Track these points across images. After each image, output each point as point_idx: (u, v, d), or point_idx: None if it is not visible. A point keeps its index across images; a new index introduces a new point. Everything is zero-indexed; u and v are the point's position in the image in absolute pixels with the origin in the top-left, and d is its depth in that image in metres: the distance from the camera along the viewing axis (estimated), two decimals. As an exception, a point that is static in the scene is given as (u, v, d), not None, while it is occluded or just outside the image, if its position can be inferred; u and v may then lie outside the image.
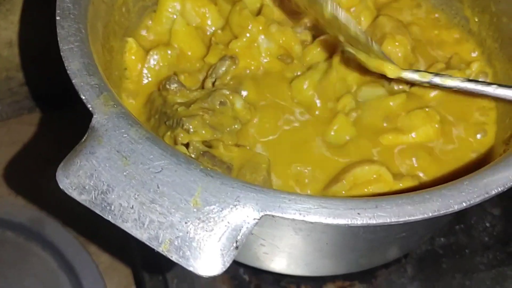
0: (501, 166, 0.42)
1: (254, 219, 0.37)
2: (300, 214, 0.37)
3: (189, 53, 0.66)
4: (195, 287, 0.66)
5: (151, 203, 0.37)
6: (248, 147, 0.57)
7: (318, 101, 0.61)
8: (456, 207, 0.39)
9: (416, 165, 0.59)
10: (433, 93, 0.64)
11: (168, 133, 0.56)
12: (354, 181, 0.56)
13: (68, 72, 0.44)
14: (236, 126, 0.58)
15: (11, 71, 0.92)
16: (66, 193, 0.39)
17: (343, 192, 0.56)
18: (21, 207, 0.81)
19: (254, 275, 0.67)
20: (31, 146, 0.93)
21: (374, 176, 0.57)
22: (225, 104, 0.58)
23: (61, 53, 0.45)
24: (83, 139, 0.41)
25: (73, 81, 0.43)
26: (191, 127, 0.55)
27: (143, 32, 0.67)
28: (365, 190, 0.56)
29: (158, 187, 0.38)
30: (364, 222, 0.38)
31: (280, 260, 0.58)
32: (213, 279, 0.39)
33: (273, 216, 0.37)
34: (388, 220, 0.38)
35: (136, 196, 0.38)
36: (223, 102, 0.58)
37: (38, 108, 0.98)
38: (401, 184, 0.57)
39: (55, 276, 0.73)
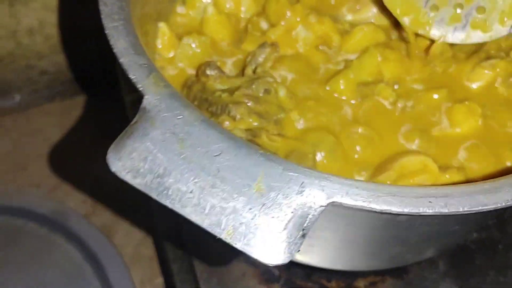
0: None
1: (321, 206, 0.35)
2: (370, 201, 0.34)
3: (222, 41, 0.63)
4: (224, 279, 0.64)
5: (211, 187, 0.34)
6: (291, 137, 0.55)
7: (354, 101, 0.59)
8: (527, 198, 0.36)
9: (462, 158, 0.56)
10: (475, 85, 0.61)
11: (212, 119, 0.53)
12: (401, 171, 0.54)
13: (114, 50, 0.41)
14: (281, 115, 0.55)
15: (31, 60, 0.89)
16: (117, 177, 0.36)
17: (388, 182, 0.53)
18: (44, 198, 0.78)
19: (284, 269, 0.65)
20: (50, 135, 0.91)
21: (421, 166, 0.54)
22: (269, 92, 0.55)
23: (106, 31, 0.42)
24: (134, 121, 0.38)
25: (120, 60, 0.40)
26: (237, 114, 0.52)
27: (175, 18, 0.64)
28: (411, 180, 0.53)
29: (218, 171, 0.35)
30: (437, 210, 0.35)
31: (319, 253, 0.56)
32: (277, 268, 0.36)
33: (340, 203, 0.34)
34: (461, 209, 0.35)
35: (195, 180, 0.35)
36: (268, 90, 0.55)
37: (58, 97, 0.95)
38: (447, 176, 0.54)
39: (80, 268, 0.71)
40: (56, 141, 0.90)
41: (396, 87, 0.60)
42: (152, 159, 0.36)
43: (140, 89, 0.39)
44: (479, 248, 0.68)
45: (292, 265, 0.63)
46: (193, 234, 0.33)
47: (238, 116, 0.53)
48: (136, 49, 0.41)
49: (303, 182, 0.35)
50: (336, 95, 0.59)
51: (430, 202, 0.35)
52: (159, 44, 0.61)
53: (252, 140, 0.53)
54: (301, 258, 0.58)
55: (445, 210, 0.35)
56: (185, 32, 0.63)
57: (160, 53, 0.61)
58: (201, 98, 0.56)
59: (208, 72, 0.57)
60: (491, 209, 0.36)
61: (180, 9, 0.65)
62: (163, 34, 0.61)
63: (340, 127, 0.57)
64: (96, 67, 0.90)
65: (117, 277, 0.70)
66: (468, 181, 0.54)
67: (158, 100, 0.38)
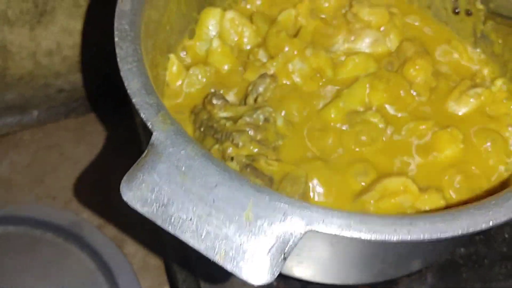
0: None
1: (300, 233, 0.41)
2: (341, 229, 0.41)
3: (226, 71, 0.69)
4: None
5: (207, 216, 0.41)
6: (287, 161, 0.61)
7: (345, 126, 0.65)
8: (483, 226, 0.42)
9: (442, 180, 0.62)
10: (460, 112, 0.67)
11: (216, 146, 0.60)
12: (383, 192, 0.60)
13: (128, 91, 0.48)
14: (279, 142, 0.61)
15: (49, 78, 0.96)
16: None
17: (372, 201, 0.59)
18: (61, 211, 0.85)
19: (282, 280, 0.71)
20: (66, 149, 0.98)
21: (402, 188, 0.60)
22: (269, 121, 0.62)
23: (121, 73, 0.49)
24: (144, 154, 0.45)
25: (133, 100, 0.47)
26: (240, 141, 0.59)
27: (183, 51, 0.71)
28: (392, 200, 0.59)
29: (214, 201, 0.42)
30: (400, 238, 0.41)
31: (310, 268, 0.62)
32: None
33: (317, 231, 0.41)
34: (422, 237, 0.42)
35: (194, 209, 0.42)
36: (267, 119, 0.62)
37: (73, 113, 1.02)
38: (426, 196, 0.60)
39: (93, 276, 0.77)
40: (71, 155, 0.97)
41: (384, 114, 0.66)
42: (158, 190, 0.43)
43: (150, 126, 0.46)
44: (466, 262, 0.73)
45: (289, 278, 0.69)
46: (196, 253, 0.40)
47: (240, 144, 0.60)
48: (147, 89, 0.48)
49: (286, 211, 0.42)
50: (328, 122, 0.65)
51: (395, 230, 0.41)
52: (169, 73, 0.67)
53: (251, 164, 0.60)
54: (294, 273, 0.64)
55: (407, 237, 0.41)
56: (193, 62, 0.70)
57: (169, 82, 0.68)
58: (207, 125, 0.63)
59: (214, 101, 0.64)
60: (449, 237, 0.42)
61: (189, 41, 0.71)
62: (172, 65, 0.68)
63: (330, 152, 0.64)
64: (107, 86, 0.97)
65: (127, 285, 0.76)
66: (446, 202, 0.61)
67: (165, 136, 0.45)
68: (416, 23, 0.75)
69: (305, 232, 0.41)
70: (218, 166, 0.44)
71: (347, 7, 0.74)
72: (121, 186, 0.43)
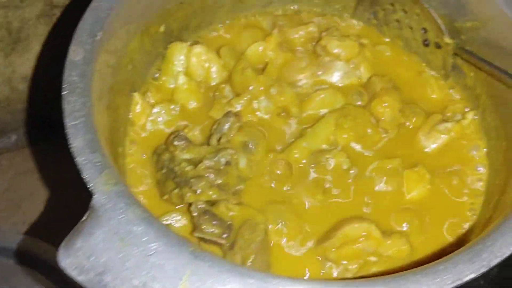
0: (475, 251, 0.44)
1: (240, 302, 0.40)
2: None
3: (192, 108, 0.68)
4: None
5: (143, 286, 0.41)
6: (248, 206, 0.60)
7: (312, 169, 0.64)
8: (429, 293, 0.42)
9: (406, 224, 0.62)
10: (428, 149, 0.66)
11: (176, 190, 0.59)
12: (345, 239, 0.59)
13: (71, 150, 0.47)
14: (240, 186, 0.61)
15: (26, 103, 0.96)
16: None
17: (333, 249, 0.59)
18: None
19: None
20: (44, 174, 0.97)
21: (364, 233, 0.59)
22: (230, 164, 0.61)
23: (66, 130, 0.48)
24: (84, 218, 0.44)
25: (76, 159, 0.46)
26: (198, 188, 0.58)
27: (148, 88, 0.70)
28: (355, 247, 0.59)
29: (150, 271, 0.41)
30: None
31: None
32: None
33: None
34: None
35: (130, 278, 0.41)
36: (229, 161, 0.61)
37: (52, 137, 1.01)
38: (389, 242, 0.59)
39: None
40: (49, 180, 0.96)
41: (349, 154, 0.65)
42: (95, 258, 0.42)
43: (91, 188, 0.45)
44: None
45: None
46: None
47: (198, 190, 0.59)
48: (92, 146, 0.47)
49: (224, 280, 0.41)
50: (292, 163, 0.64)
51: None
52: (132, 112, 0.67)
53: (209, 210, 0.59)
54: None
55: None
56: (159, 99, 0.69)
57: (133, 121, 0.67)
58: (168, 168, 0.62)
59: (176, 142, 0.63)
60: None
61: (155, 78, 0.71)
62: (136, 103, 0.67)
63: (293, 196, 0.63)
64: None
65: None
66: (411, 247, 0.60)
67: (105, 199, 0.44)
68: (388, 53, 0.74)
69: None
70: (159, 231, 0.43)
71: (316, 40, 0.73)
72: (58, 252, 0.43)
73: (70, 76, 0.51)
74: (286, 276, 0.42)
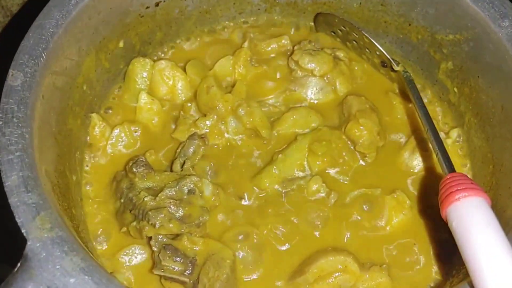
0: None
1: None
2: None
3: (155, 130, 0.64)
4: None
5: None
6: (213, 239, 0.56)
7: (283, 192, 0.60)
8: None
9: (387, 256, 0.57)
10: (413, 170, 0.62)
11: (134, 223, 0.55)
12: (319, 273, 0.55)
13: (5, 189, 0.42)
14: (204, 218, 0.56)
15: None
16: None
17: (307, 285, 0.54)
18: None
19: None
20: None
21: (340, 266, 0.55)
22: (193, 193, 0.56)
23: (0, 166, 0.43)
24: (16, 270, 0.39)
25: (9, 200, 0.41)
26: (157, 222, 0.53)
27: (108, 108, 0.65)
28: (330, 281, 0.54)
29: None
30: None
31: None
32: None
33: None
34: None
35: None
36: (192, 190, 0.56)
37: None
38: (367, 276, 0.55)
39: None
40: None
41: (325, 180, 0.60)
42: (25, 318, 0.37)
43: (24, 234, 0.40)
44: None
45: None
46: None
47: (157, 224, 0.54)
48: (28, 185, 0.42)
49: None
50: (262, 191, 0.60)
51: None
52: (90, 134, 0.62)
53: (171, 244, 0.54)
54: None
55: None
56: (120, 119, 0.64)
57: (91, 144, 0.62)
58: (127, 197, 0.57)
59: (134, 169, 0.58)
60: None
61: (116, 92, 0.66)
62: (94, 125, 0.62)
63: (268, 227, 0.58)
64: None
65: None
66: (392, 280, 0.55)
67: (40, 246, 0.39)
68: (359, 69, 0.70)
69: None
70: (99, 284, 0.38)
71: (290, 53, 0.68)
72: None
73: (7, 104, 0.46)
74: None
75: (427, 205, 0.60)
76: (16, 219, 0.41)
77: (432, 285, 0.57)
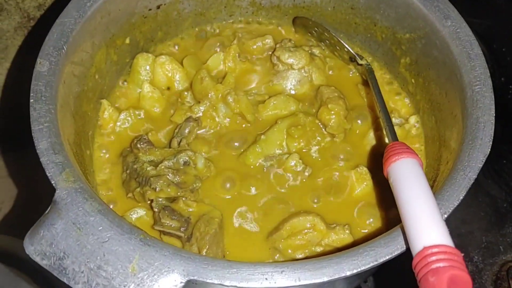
0: (392, 237, 0.51)
1: (181, 282, 0.46)
2: (218, 279, 0.46)
3: (156, 114, 0.74)
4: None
5: (98, 269, 0.46)
6: (205, 202, 0.66)
7: (265, 166, 0.70)
8: (348, 273, 0.48)
9: (350, 217, 0.68)
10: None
11: (138, 189, 0.65)
12: (292, 230, 0.65)
13: (37, 151, 0.53)
14: (197, 185, 0.66)
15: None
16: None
17: (282, 240, 0.64)
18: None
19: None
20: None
21: (309, 224, 0.65)
22: (188, 164, 0.67)
23: (32, 134, 0.54)
24: (47, 211, 0.50)
25: (41, 159, 0.52)
26: (157, 186, 0.64)
27: (116, 95, 0.76)
28: (300, 237, 0.64)
29: (104, 255, 0.47)
30: (271, 285, 0.46)
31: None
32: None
33: (196, 280, 0.46)
34: (292, 283, 0.47)
35: (86, 262, 0.47)
36: (187, 162, 0.67)
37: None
38: (332, 233, 0.65)
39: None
40: (24, 183, 1.01)
41: (302, 157, 0.70)
42: (56, 245, 0.48)
43: (53, 184, 0.51)
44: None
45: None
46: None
47: (158, 188, 0.65)
48: (55, 148, 0.53)
49: (168, 263, 0.47)
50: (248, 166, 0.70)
51: (266, 278, 0.47)
52: (101, 118, 0.72)
53: (169, 206, 0.65)
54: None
55: (277, 285, 0.47)
56: (126, 105, 0.75)
57: (102, 125, 0.73)
58: (132, 168, 0.68)
59: (138, 145, 0.69)
60: (317, 283, 0.48)
61: (123, 84, 0.77)
62: (104, 110, 0.72)
63: (252, 193, 0.69)
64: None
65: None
66: (354, 238, 0.66)
67: (66, 194, 0.50)
68: (332, 64, 0.80)
69: (186, 282, 0.46)
70: (113, 222, 0.49)
71: (272, 50, 0.79)
72: (24, 241, 0.48)
73: (37, 86, 0.57)
74: (222, 259, 0.48)
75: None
76: (47, 174, 0.52)
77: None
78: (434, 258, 0.44)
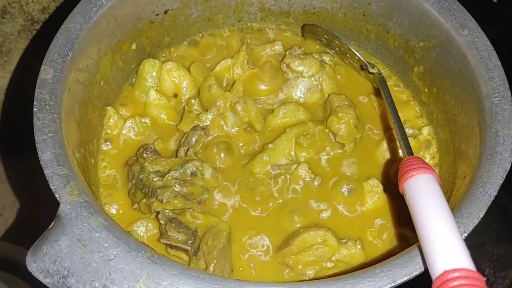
0: (410, 257, 0.48)
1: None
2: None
3: (162, 122, 0.72)
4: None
5: (103, 288, 0.45)
6: (212, 214, 0.64)
7: (272, 176, 0.68)
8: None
9: (363, 233, 0.66)
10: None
11: (144, 200, 0.63)
12: (302, 245, 0.63)
13: (40, 162, 0.51)
14: (204, 196, 0.65)
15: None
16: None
17: (292, 256, 0.62)
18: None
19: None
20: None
21: (320, 240, 0.63)
22: (195, 175, 0.65)
23: (36, 144, 0.52)
24: (51, 226, 0.48)
25: (45, 171, 0.50)
26: (164, 198, 0.62)
27: (122, 102, 0.74)
28: (311, 253, 0.62)
29: (110, 274, 0.45)
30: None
31: None
32: None
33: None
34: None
35: (91, 281, 0.45)
36: (194, 172, 0.65)
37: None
38: (344, 249, 0.63)
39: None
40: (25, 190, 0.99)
41: (311, 166, 0.68)
42: (60, 262, 0.46)
43: (57, 198, 0.49)
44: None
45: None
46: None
47: (164, 200, 0.62)
48: (60, 160, 0.51)
49: (177, 283, 0.45)
50: (254, 175, 0.68)
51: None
52: (106, 125, 0.70)
53: (176, 218, 0.63)
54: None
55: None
56: (132, 112, 0.73)
57: (107, 133, 0.71)
58: (138, 179, 0.66)
59: (144, 155, 0.67)
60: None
61: (128, 92, 0.75)
62: (109, 117, 0.70)
63: (258, 203, 0.67)
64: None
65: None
66: (366, 254, 0.64)
67: (70, 208, 0.48)
68: (343, 72, 0.78)
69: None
70: (119, 238, 0.47)
71: (282, 57, 0.77)
72: (26, 257, 0.46)
73: (41, 94, 0.55)
74: (233, 279, 0.46)
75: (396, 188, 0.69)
76: (50, 187, 0.50)
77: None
78: (455, 283, 0.42)
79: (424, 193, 0.50)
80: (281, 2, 0.79)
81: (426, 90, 0.74)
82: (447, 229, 0.46)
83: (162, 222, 0.62)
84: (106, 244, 0.46)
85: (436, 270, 0.44)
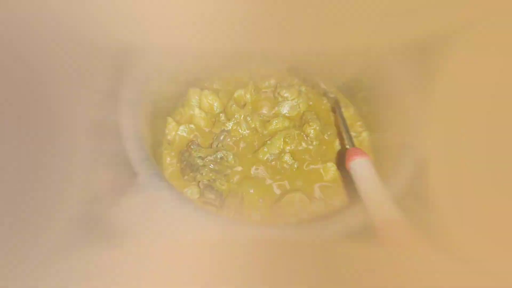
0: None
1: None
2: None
3: (202, 127, 0.73)
4: None
5: (167, 225, 0.45)
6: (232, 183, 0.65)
7: (270, 160, 0.68)
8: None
9: (322, 194, 0.66)
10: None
11: (191, 174, 0.64)
12: (288, 201, 0.64)
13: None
14: (228, 172, 0.65)
15: None
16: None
17: (281, 208, 0.63)
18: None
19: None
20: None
21: (298, 199, 0.64)
22: (223, 158, 0.66)
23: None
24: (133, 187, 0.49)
25: (129, 154, 0.51)
26: (204, 172, 0.63)
27: (177, 114, 0.74)
28: (292, 207, 0.63)
29: (169, 216, 0.46)
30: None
31: None
32: None
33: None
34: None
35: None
36: (222, 157, 0.66)
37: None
38: (313, 205, 0.64)
39: None
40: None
41: (293, 155, 0.69)
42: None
43: (137, 171, 0.50)
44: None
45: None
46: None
47: (204, 174, 0.63)
48: (139, 148, 0.52)
49: (207, 222, 0.46)
50: (259, 160, 0.69)
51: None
52: (167, 129, 0.71)
53: (210, 185, 0.63)
54: None
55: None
56: (183, 121, 0.73)
57: (167, 134, 0.71)
58: (187, 161, 0.67)
59: (192, 146, 0.68)
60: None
61: (181, 107, 0.75)
62: (169, 124, 0.71)
63: (261, 177, 0.67)
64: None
65: None
66: (327, 208, 0.64)
67: (145, 177, 0.49)
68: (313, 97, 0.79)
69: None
70: (176, 196, 0.48)
71: (275, 87, 0.78)
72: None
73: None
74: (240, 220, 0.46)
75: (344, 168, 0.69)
76: (132, 164, 0.50)
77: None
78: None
79: (363, 171, 0.50)
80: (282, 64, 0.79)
81: (364, 108, 0.74)
82: (375, 185, 0.47)
83: (201, 187, 0.63)
84: (168, 199, 0.47)
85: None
